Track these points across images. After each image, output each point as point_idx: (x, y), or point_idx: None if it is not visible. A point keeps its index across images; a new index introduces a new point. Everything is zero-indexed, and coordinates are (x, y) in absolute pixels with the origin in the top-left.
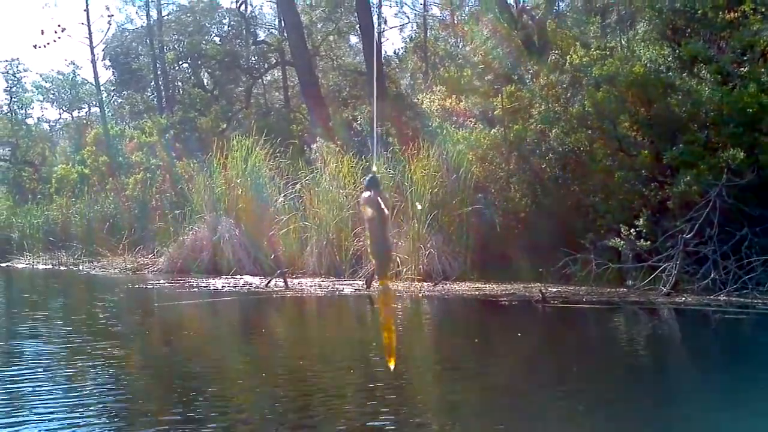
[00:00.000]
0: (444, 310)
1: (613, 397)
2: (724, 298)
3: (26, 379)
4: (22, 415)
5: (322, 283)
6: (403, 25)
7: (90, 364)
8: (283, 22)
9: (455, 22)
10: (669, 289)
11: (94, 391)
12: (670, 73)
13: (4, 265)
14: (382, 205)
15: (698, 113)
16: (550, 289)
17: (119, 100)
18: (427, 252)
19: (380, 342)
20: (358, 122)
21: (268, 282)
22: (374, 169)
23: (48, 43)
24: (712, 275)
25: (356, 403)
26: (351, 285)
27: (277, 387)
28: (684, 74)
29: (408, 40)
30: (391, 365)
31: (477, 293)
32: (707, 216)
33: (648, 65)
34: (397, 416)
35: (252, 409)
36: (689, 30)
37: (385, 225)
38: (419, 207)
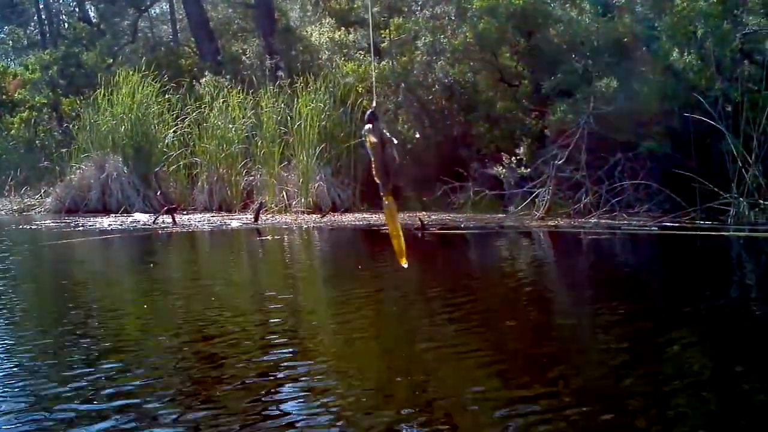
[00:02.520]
0: (327, 240)
1: (476, 308)
2: (594, 220)
3: None
4: None
5: (211, 218)
6: None
7: None
8: None
9: None
10: (542, 214)
11: None
12: (552, 4)
13: None
14: (384, 133)
15: (576, 44)
16: (433, 217)
17: (1, 36)
18: (316, 184)
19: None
20: (248, 56)
21: (156, 219)
22: (374, 104)
23: None
24: (583, 199)
25: (251, 335)
26: (239, 219)
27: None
28: (566, 5)
29: None
30: (404, 263)
31: (362, 223)
32: (577, 143)
33: None
34: (293, 346)
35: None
36: None
37: (384, 149)
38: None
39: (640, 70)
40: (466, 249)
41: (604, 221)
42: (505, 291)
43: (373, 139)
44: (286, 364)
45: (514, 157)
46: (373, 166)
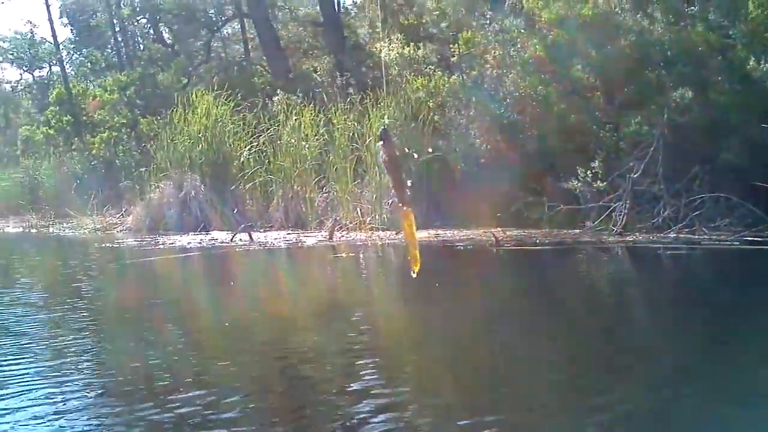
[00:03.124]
0: (402, 257)
1: (557, 329)
2: (674, 235)
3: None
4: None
5: (287, 235)
6: None
7: (70, 325)
8: None
9: None
10: (620, 229)
11: (77, 348)
12: (623, 14)
13: None
14: (395, 150)
15: (649, 54)
16: (507, 233)
17: (80, 59)
18: (390, 201)
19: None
20: (319, 73)
21: (233, 237)
22: (386, 121)
23: (3, 2)
24: (661, 213)
25: (335, 356)
26: (314, 237)
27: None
28: (637, 15)
29: None
30: (415, 270)
31: (436, 239)
32: (653, 155)
33: (598, 7)
34: (377, 366)
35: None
36: None
37: (397, 163)
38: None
39: (715, 80)
40: (543, 266)
41: (683, 236)
42: (586, 310)
43: (385, 156)
44: (371, 387)
45: (589, 171)
46: (390, 180)
